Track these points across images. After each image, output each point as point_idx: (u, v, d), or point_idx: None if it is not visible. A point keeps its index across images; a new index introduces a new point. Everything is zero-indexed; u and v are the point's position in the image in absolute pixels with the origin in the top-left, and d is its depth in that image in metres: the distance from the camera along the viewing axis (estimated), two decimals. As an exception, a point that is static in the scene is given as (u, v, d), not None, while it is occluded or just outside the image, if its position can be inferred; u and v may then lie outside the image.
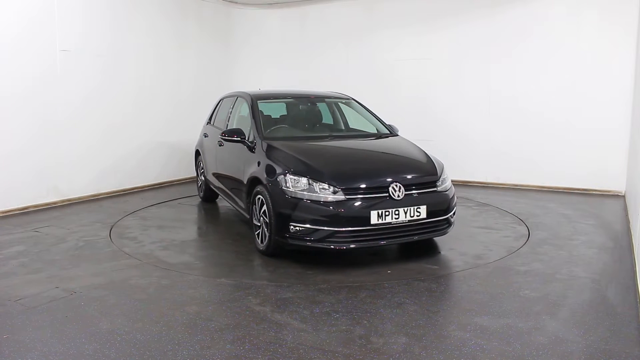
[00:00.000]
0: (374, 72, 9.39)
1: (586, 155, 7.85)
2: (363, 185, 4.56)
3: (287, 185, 4.61)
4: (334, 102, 6.58)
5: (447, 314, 3.67)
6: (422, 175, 4.88)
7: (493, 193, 7.99)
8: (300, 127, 6.15)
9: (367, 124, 6.25)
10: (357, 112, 6.44)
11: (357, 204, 4.48)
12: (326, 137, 5.83)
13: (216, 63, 9.92)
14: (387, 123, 6.21)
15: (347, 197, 4.48)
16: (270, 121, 6.10)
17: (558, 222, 6.15)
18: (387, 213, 4.48)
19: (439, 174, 4.96)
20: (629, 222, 5.97)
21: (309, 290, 4.05)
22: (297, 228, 4.51)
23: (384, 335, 3.29)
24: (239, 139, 5.60)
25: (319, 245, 4.49)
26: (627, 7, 7.37)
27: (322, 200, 4.47)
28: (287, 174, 4.66)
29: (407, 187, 4.64)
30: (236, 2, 10.09)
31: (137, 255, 5.02)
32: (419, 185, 4.75)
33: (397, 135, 5.98)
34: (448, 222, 4.94)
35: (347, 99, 6.56)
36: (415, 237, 4.73)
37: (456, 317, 3.58)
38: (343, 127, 6.44)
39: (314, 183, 4.53)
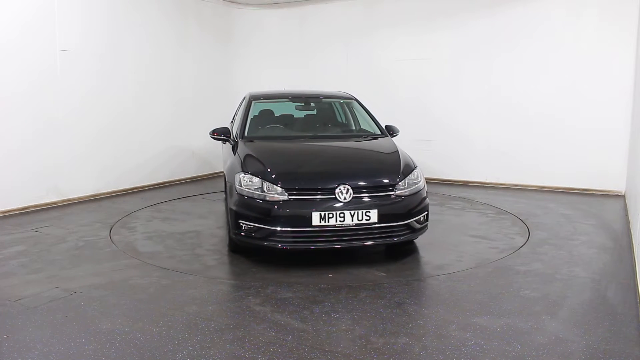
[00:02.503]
0: (373, 72, 9.38)
1: (586, 156, 7.85)
2: (308, 186, 4.54)
3: (240, 183, 4.69)
4: (335, 102, 6.57)
5: (447, 314, 3.66)
6: (378, 178, 4.72)
7: (493, 193, 7.98)
8: (293, 127, 6.15)
9: (364, 124, 6.23)
10: (356, 112, 6.42)
11: (299, 204, 4.47)
12: (308, 137, 5.78)
13: (216, 63, 9.91)
14: (383, 124, 6.10)
15: (290, 197, 4.49)
16: (265, 121, 6.14)
17: (558, 222, 6.15)
18: (330, 215, 4.41)
19: (400, 178, 4.72)
20: (629, 222, 5.97)
21: (309, 290, 4.05)
22: (247, 226, 4.58)
23: (384, 335, 3.29)
24: (223, 137, 5.77)
25: (262, 243, 4.54)
26: (627, 8, 7.38)
27: (267, 199, 4.51)
28: (241, 173, 4.75)
29: (358, 189, 4.55)
30: (236, 2, 10.09)
31: (119, 243, 5.29)
32: (371, 189, 4.61)
33: (388, 136, 5.82)
34: (409, 228, 4.67)
35: (349, 99, 6.52)
36: (366, 242, 4.59)
37: (456, 317, 3.58)
38: (340, 128, 6.39)
39: (264, 183, 4.58)
